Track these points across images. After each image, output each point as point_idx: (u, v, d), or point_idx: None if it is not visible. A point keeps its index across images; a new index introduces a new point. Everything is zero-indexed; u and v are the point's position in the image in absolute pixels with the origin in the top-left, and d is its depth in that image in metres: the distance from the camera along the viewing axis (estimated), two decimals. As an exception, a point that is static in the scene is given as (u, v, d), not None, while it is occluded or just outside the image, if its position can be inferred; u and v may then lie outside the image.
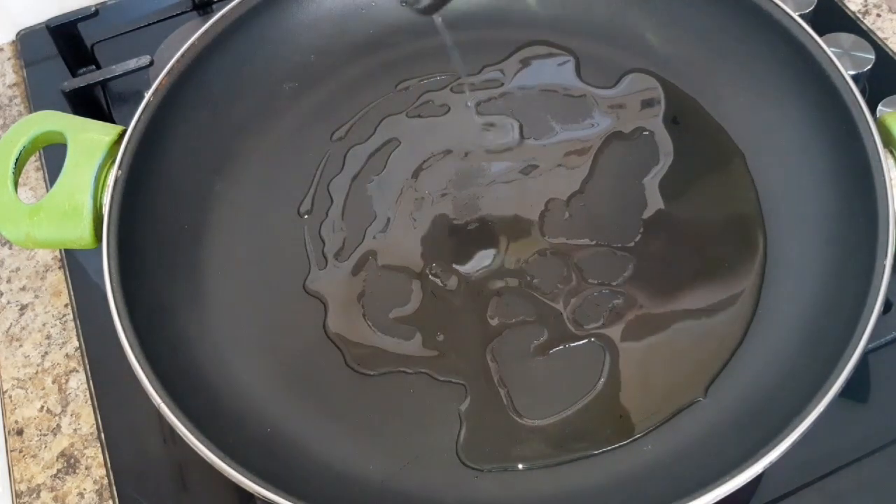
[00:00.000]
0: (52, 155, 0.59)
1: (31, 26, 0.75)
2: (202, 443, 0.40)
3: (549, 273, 0.50)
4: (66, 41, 0.70)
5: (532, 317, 0.48)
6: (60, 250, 0.61)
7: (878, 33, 0.66)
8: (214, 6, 0.73)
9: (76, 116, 0.50)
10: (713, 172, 0.53)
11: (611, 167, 0.54)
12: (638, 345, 0.47)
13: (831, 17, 0.66)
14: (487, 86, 0.58)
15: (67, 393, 0.55)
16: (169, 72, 0.51)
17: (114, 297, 0.44)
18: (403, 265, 0.51)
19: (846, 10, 0.67)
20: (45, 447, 0.53)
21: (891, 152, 0.45)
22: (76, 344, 0.57)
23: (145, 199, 0.49)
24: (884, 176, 0.44)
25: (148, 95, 0.50)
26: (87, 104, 0.67)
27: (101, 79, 0.66)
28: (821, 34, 0.49)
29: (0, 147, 0.48)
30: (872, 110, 0.49)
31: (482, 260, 0.51)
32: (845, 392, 0.40)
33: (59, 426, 0.54)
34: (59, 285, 0.60)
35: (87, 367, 0.56)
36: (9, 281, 0.60)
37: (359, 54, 0.59)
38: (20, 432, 0.54)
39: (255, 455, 0.42)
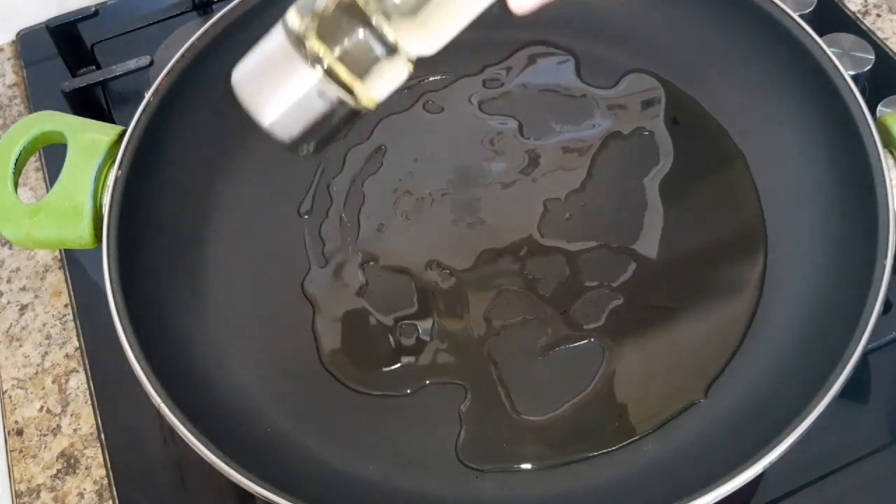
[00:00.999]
0: (52, 155, 0.59)
1: (31, 26, 0.75)
2: (202, 443, 0.40)
3: (549, 273, 0.50)
4: (66, 41, 0.70)
5: (532, 317, 0.48)
6: (60, 250, 0.61)
7: (878, 33, 0.66)
8: (214, 6, 0.73)
9: (76, 116, 0.50)
10: (713, 173, 0.53)
11: (611, 167, 0.54)
12: (638, 345, 0.47)
13: (831, 17, 0.66)
14: (487, 86, 0.58)
15: (67, 393, 0.55)
16: (169, 72, 0.51)
17: (114, 297, 0.44)
18: (403, 265, 0.51)
19: (846, 10, 0.67)
20: (45, 447, 0.53)
21: (891, 152, 0.45)
22: (76, 344, 0.57)
23: (145, 199, 0.49)
24: (884, 176, 0.44)
25: (148, 95, 0.50)
26: (87, 104, 0.67)
27: (101, 79, 0.66)
28: (821, 34, 0.49)
29: (0, 147, 0.48)
30: (872, 110, 0.49)
31: (482, 260, 0.51)
32: (845, 392, 0.40)
33: (59, 426, 0.54)
34: (59, 285, 0.60)
35: (87, 367, 0.56)
36: (9, 281, 0.60)
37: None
38: (20, 432, 0.54)
39: (255, 455, 0.42)
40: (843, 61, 0.52)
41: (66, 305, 0.59)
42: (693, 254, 0.50)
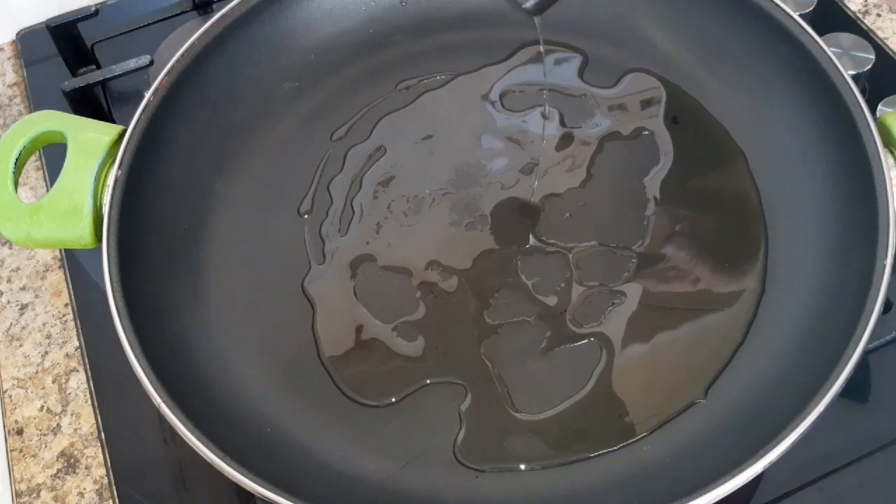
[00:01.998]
0: (52, 155, 0.59)
1: (31, 26, 0.75)
2: (202, 443, 0.40)
3: (549, 273, 0.50)
4: (66, 41, 0.70)
5: (532, 316, 0.48)
6: (60, 250, 0.61)
7: (878, 33, 0.66)
8: (214, 6, 0.73)
9: (76, 116, 0.49)
10: (713, 172, 0.53)
11: (611, 167, 0.54)
12: (638, 345, 0.47)
13: (831, 17, 0.66)
14: (487, 86, 0.58)
15: (67, 393, 0.55)
16: (169, 72, 0.51)
17: (114, 297, 0.44)
18: (403, 265, 0.51)
19: (846, 10, 0.67)
20: (45, 447, 0.53)
21: (891, 152, 0.45)
22: (76, 344, 0.57)
23: (145, 199, 0.49)
24: (884, 176, 0.44)
25: (148, 95, 0.50)
26: (87, 104, 0.67)
27: (101, 79, 0.66)
28: (821, 34, 0.49)
29: (0, 147, 0.48)
30: (872, 110, 0.49)
31: (482, 259, 0.51)
32: (845, 392, 0.40)
33: (59, 426, 0.54)
34: (59, 285, 0.60)
35: (87, 366, 0.56)
36: (9, 281, 0.60)
37: (359, 54, 0.59)
38: (20, 432, 0.54)
39: (255, 455, 0.42)
40: (843, 61, 0.52)
41: (66, 305, 0.59)
42: (693, 253, 0.50)
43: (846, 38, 0.61)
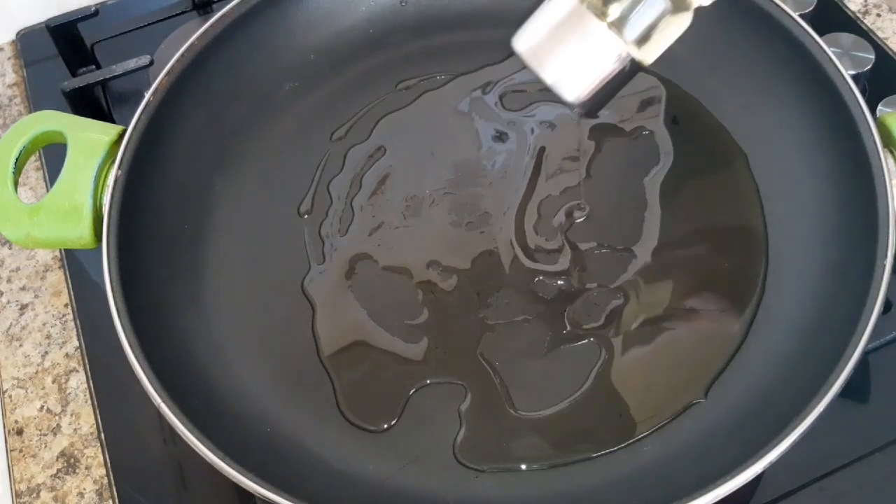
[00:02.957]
0: (52, 155, 0.59)
1: (31, 26, 0.75)
2: (202, 443, 0.40)
3: (549, 273, 0.50)
4: (66, 41, 0.70)
5: (532, 316, 0.48)
6: (60, 250, 0.61)
7: (878, 33, 0.66)
8: (214, 6, 0.73)
9: (76, 116, 0.50)
10: (713, 172, 0.53)
11: (611, 167, 0.54)
12: (638, 345, 0.47)
13: (831, 17, 0.66)
14: (487, 85, 0.58)
15: (67, 393, 0.55)
16: (169, 72, 0.51)
17: (114, 297, 0.44)
18: (403, 265, 0.51)
19: (846, 10, 0.67)
20: (45, 447, 0.53)
21: (891, 152, 0.45)
22: (76, 344, 0.57)
23: (145, 199, 0.49)
24: (884, 176, 0.44)
25: (148, 95, 0.50)
26: (87, 104, 0.67)
27: (101, 79, 0.66)
28: (821, 34, 0.49)
29: (0, 147, 0.48)
30: (872, 110, 0.49)
31: (481, 259, 0.51)
32: (845, 392, 0.40)
33: (59, 426, 0.54)
34: (59, 285, 0.60)
35: (87, 366, 0.56)
36: (9, 281, 0.60)
37: (359, 54, 0.59)
38: (20, 432, 0.54)
39: (255, 455, 0.42)
40: (843, 61, 0.52)
41: (66, 305, 0.59)
42: (693, 254, 0.50)
43: (846, 38, 0.61)
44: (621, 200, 0.52)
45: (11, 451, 0.53)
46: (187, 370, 0.46)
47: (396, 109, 0.57)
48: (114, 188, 0.47)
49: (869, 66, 0.59)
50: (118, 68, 0.66)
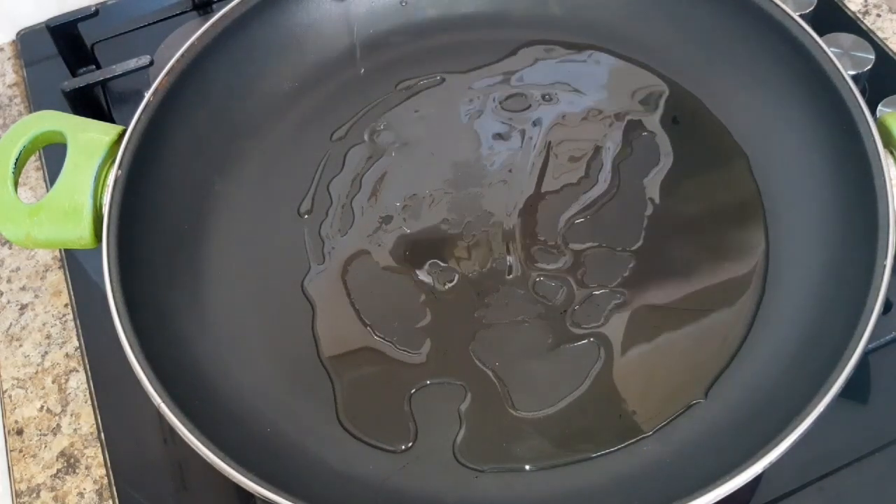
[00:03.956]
0: (52, 155, 0.59)
1: (31, 26, 0.75)
2: (202, 443, 0.40)
3: (549, 273, 0.50)
4: (66, 41, 0.70)
5: (531, 316, 0.48)
6: (60, 250, 0.61)
7: (878, 33, 0.66)
8: (214, 6, 0.73)
9: (76, 116, 0.49)
10: (713, 172, 0.53)
11: (611, 167, 0.54)
12: (638, 345, 0.47)
13: (831, 17, 0.66)
14: (487, 85, 0.58)
15: (67, 393, 0.55)
16: (169, 72, 0.51)
17: (114, 297, 0.44)
18: (403, 265, 0.51)
19: (846, 10, 0.67)
20: (45, 447, 0.53)
21: (891, 152, 0.45)
22: (76, 344, 0.57)
23: (145, 199, 0.49)
24: (884, 176, 0.44)
25: (148, 95, 0.50)
26: (87, 104, 0.67)
27: (101, 79, 0.66)
28: (821, 34, 0.49)
29: (0, 147, 0.48)
30: (872, 110, 0.49)
31: (481, 259, 0.51)
32: (845, 392, 0.40)
33: (59, 426, 0.54)
34: (59, 285, 0.60)
35: (87, 367, 0.56)
36: (9, 281, 0.60)
37: (359, 54, 0.59)
38: (20, 432, 0.54)
39: (255, 455, 0.42)
40: (843, 61, 0.52)
41: (66, 305, 0.59)
42: (693, 254, 0.50)
43: (846, 38, 0.61)
44: (621, 200, 0.52)
45: (11, 451, 0.53)
46: (187, 370, 0.46)
47: (395, 109, 0.57)
48: (114, 188, 0.47)
49: (869, 67, 0.59)
50: (118, 68, 0.66)
